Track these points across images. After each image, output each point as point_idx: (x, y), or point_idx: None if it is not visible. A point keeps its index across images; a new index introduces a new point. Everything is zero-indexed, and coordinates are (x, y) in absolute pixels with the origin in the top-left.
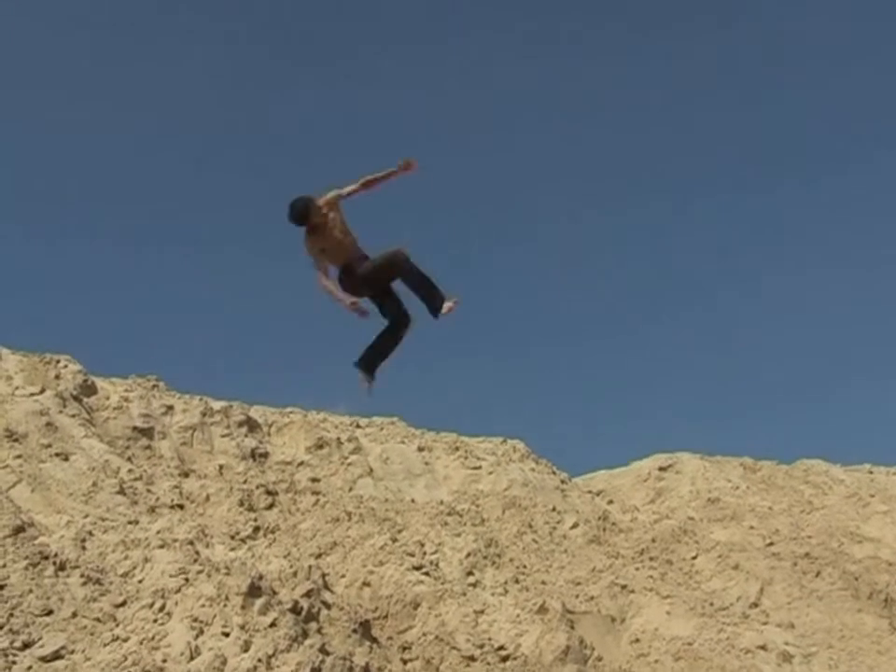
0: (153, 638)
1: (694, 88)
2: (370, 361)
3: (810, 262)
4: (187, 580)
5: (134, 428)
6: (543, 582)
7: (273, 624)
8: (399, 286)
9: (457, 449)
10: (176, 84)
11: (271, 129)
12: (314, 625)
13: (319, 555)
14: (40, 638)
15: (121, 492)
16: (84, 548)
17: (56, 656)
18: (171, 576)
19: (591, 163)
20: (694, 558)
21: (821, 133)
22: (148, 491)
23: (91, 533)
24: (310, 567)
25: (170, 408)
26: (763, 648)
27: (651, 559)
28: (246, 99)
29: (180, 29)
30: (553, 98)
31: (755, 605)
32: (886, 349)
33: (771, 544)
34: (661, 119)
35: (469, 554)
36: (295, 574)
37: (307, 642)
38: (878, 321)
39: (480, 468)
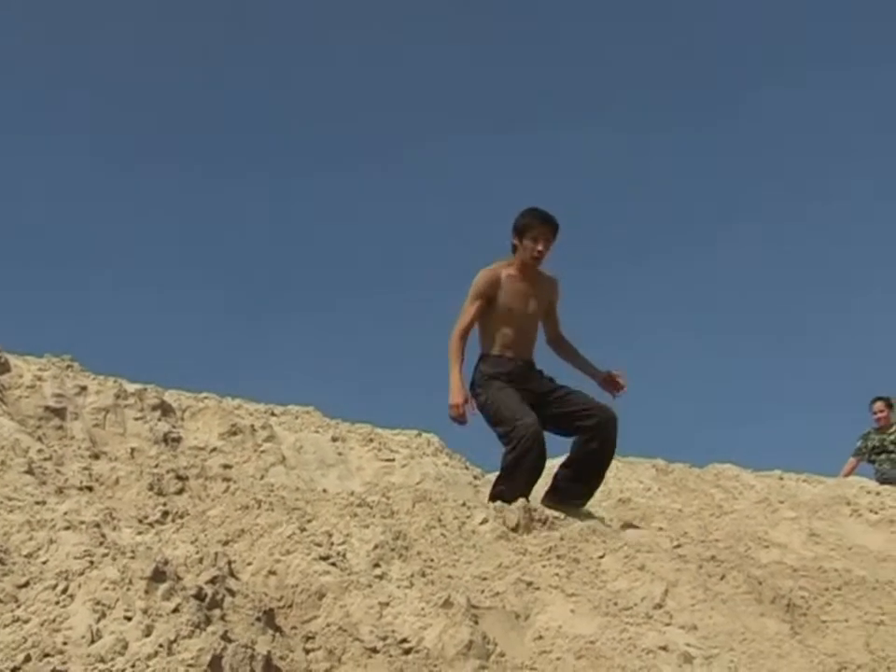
0: (54, 621)
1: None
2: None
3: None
4: (91, 562)
5: (47, 408)
6: (450, 577)
7: (175, 610)
8: None
9: (372, 441)
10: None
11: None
12: (217, 612)
13: (227, 542)
14: None
15: (30, 472)
16: None
17: None
18: (75, 558)
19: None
20: (601, 557)
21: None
22: (58, 472)
23: None
24: (216, 553)
25: (83, 388)
26: (664, 649)
27: (559, 557)
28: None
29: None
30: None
31: (659, 606)
32: (803, 353)
33: (678, 546)
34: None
35: (376, 546)
36: (201, 560)
37: (210, 629)
38: (793, 326)
39: (393, 460)
